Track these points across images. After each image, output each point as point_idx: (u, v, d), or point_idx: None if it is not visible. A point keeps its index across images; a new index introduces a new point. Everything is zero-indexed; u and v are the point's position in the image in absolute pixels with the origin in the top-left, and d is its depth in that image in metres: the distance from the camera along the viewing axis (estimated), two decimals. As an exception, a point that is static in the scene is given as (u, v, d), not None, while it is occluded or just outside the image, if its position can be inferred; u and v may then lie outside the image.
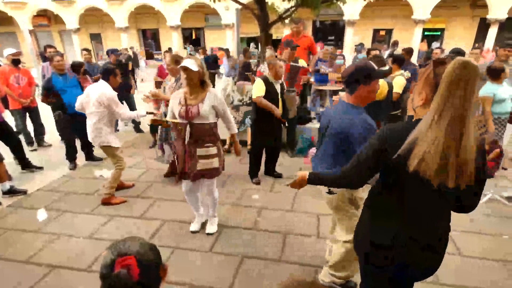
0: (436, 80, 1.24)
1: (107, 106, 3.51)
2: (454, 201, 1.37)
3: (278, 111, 3.93)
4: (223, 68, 10.79)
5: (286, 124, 4.25)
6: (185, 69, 2.59)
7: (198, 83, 2.69)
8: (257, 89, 3.84)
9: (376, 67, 2.00)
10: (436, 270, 1.48)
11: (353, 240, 1.65)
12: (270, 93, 3.85)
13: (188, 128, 2.71)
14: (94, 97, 3.51)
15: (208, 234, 3.15)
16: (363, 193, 2.13)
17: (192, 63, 2.58)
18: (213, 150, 2.83)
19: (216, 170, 2.90)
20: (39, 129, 5.78)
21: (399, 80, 4.26)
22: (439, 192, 1.28)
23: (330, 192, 2.17)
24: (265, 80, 3.86)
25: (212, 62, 10.77)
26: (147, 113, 3.73)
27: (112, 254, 0.94)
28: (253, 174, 4.28)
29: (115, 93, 3.56)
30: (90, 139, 3.67)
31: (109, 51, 7.16)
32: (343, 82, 2.03)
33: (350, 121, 1.90)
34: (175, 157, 2.96)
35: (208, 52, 14.04)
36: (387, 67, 4.05)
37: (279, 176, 4.44)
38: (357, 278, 2.54)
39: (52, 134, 5.93)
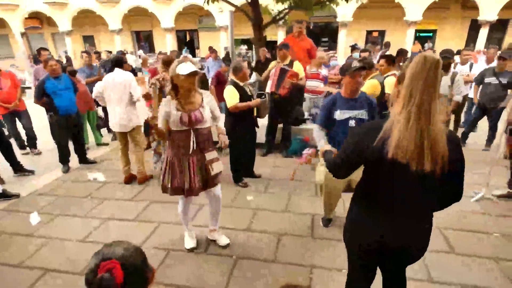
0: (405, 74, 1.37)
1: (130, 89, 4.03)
2: (433, 190, 1.44)
3: (255, 102, 3.93)
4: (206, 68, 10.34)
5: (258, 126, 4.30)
6: (196, 74, 2.44)
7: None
8: (231, 96, 3.80)
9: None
10: (418, 247, 1.56)
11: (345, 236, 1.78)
12: (243, 97, 3.85)
13: (192, 135, 2.55)
14: (120, 83, 3.99)
15: (227, 246, 2.97)
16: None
17: (195, 67, 2.43)
18: (215, 153, 2.74)
19: (221, 174, 2.82)
20: (31, 134, 5.62)
21: (390, 80, 4.10)
22: (417, 178, 1.36)
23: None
24: (236, 85, 3.84)
25: None
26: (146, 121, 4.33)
27: (97, 258, 0.94)
28: (237, 180, 4.26)
29: (132, 76, 4.13)
30: (122, 126, 4.13)
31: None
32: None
33: None
34: (167, 173, 2.66)
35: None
36: (377, 71, 4.06)
37: (258, 177, 4.45)
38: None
39: (45, 138, 5.87)
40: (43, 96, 4.47)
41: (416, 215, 1.49)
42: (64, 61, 11.83)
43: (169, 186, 2.64)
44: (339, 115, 2.79)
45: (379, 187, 1.51)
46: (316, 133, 2.91)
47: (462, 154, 1.39)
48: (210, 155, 2.67)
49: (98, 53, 7.40)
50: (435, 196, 1.47)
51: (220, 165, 2.75)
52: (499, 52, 6.18)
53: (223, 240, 3.02)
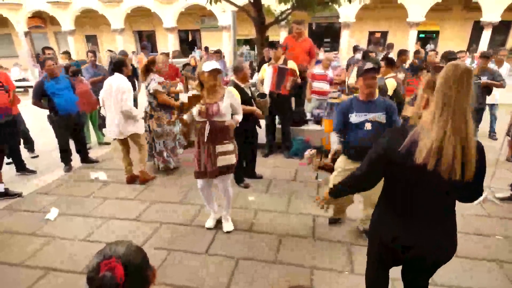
0: (435, 83, 1.35)
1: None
2: (456, 193, 1.45)
3: (258, 110, 3.96)
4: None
5: (261, 126, 4.31)
6: (219, 72, 2.75)
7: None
8: None
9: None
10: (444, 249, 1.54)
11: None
12: (243, 99, 3.76)
13: (207, 126, 2.80)
14: (115, 89, 3.89)
15: (227, 232, 3.21)
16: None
17: (218, 65, 2.72)
18: (230, 146, 2.95)
19: (233, 166, 3.01)
20: (27, 138, 5.43)
21: (390, 82, 4.09)
22: (442, 184, 1.36)
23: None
24: (237, 87, 3.81)
25: None
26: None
27: (98, 257, 0.95)
28: (239, 180, 4.24)
29: (129, 84, 3.98)
30: (117, 133, 4.08)
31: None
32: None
33: None
34: (195, 159, 3.00)
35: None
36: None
37: (259, 177, 4.43)
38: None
39: (45, 139, 5.86)
40: (42, 96, 4.44)
41: (435, 218, 1.49)
42: None
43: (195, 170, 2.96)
44: (354, 118, 2.72)
45: (398, 191, 1.52)
46: (332, 138, 2.98)
47: (485, 161, 1.40)
48: (221, 147, 2.89)
49: (68, 53, 7.21)
50: (455, 198, 1.49)
51: (230, 159, 2.94)
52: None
53: (226, 227, 3.24)
